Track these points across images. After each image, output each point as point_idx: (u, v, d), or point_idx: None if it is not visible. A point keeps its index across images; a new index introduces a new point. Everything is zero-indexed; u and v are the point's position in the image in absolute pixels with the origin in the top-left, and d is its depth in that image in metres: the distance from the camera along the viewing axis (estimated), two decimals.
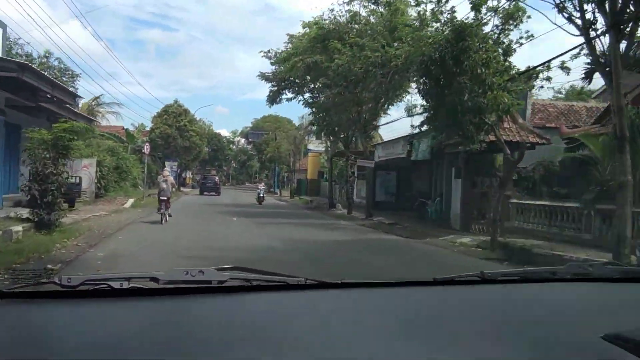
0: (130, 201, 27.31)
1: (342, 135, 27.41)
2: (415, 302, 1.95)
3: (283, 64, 24.71)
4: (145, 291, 1.69)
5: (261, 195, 34.97)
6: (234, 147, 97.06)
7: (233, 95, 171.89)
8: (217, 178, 53.71)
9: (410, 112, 23.20)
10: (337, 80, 18.31)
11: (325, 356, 1.39)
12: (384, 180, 29.57)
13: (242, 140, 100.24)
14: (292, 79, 28.34)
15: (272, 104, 30.92)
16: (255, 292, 1.82)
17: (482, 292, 2.13)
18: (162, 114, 46.27)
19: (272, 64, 30.20)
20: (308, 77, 25.84)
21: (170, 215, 17.80)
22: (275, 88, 30.53)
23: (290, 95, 30.38)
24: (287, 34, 27.56)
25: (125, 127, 45.27)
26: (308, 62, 20.58)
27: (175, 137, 45.43)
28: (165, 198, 17.48)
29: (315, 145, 45.63)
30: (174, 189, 20.55)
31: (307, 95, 30.44)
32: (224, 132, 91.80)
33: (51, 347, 1.35)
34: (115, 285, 1.64)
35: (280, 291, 1.86)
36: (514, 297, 2.07)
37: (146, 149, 29.68)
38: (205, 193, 45.55)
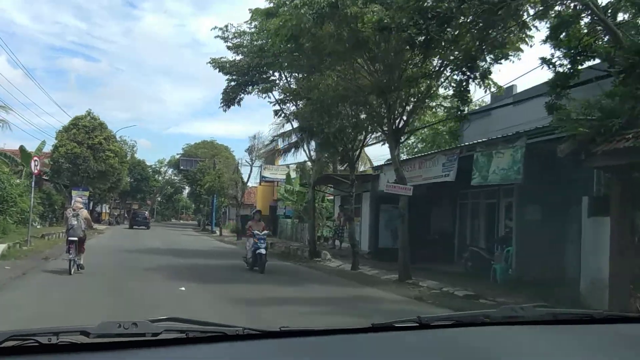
0: (1, 248, 16.75)
1: (341, 148, 17.99)
2: (353, 348, 1.96)
3: (265, 24, 15.16)
4: (75, 346, 1.61)
5: (261, 251, 15.46)
6: (160, 177, 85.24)
7: (158, 129, 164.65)
8: (147, 213, 57.76)
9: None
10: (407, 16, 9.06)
11: None
12: (390, 218, 20.50)
13: (170, 171, 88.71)
14: (263, 68, 19.03)
15: (229, 106, 21.32)
16: (191, 345, 1.77)
17: (419, 338, 2.10)
18: (70, 127, 35.23)
19: (230, 48, 20.76)
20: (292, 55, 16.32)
21: (81, 267, 13.14)
22: (235, 83, 21.02)
23: (253, 89, 21.04)
24: (249, 9, 18.24)
25: (22, 146, 34.03)
26: (320, 5, 11.26)
27: (87, 158, 34.49)
28: (76, 238, 12.91)
29: (272, 172, 36.08)
30: (87, 227, 14.05)
31: (278, 88, 21.24)
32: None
33: None
34: (43, 340, 1.58)
35: (217, 342, 1.81)
36: (450, 342, 2.07)
37: (34, 166, 19.16)
38: (135, 227, 48.66)
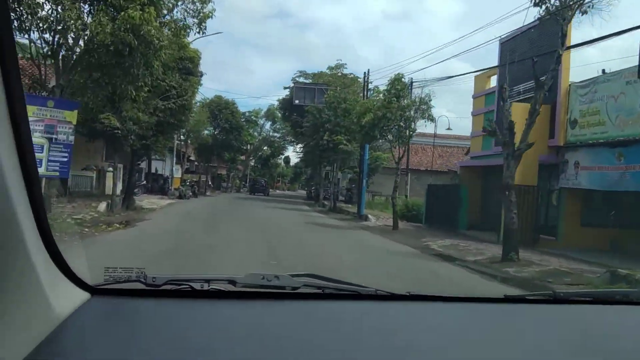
0: None
1: None
2: (484, 318, 1.94)
3: None
4: (223, 294, 1.76)
5: None
6: (256, 133, 62.57)
7: (247, 100, 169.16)
8: (264, 180, 63.70)
9: None
10: None
11: None
12: None
13: (268, 126, 66.11)
14: None
15: None
16: (327, 300, 1.88)
17: (553, 312, 2.05)
18: None
19: None
20: None
21: None
22: None
23: None
24: None
25: None
26: None
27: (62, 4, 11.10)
28: None
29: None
30: None
31: None
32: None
33: (136, 341, 1.41)
34: (196, 286, 1.74)
35: (351, 300, 1.91)
36: (587, 319, 2.02)
37: None
38: (255, 194, 53.12)
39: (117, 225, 15.03)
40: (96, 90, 12.71)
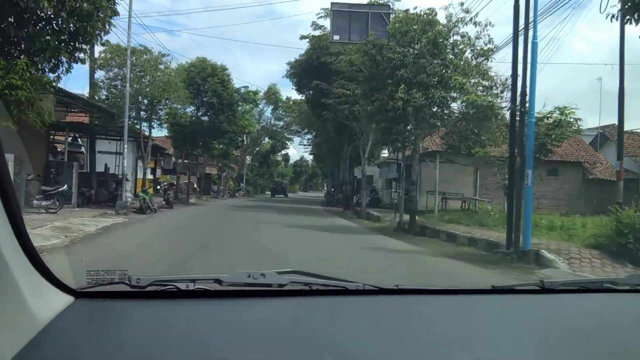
0: None
1: None
2: (472, 310, 1.89)
3: None
4: (209, 293, 1.70)
5: None
6: (254, 119, 48.06)
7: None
8: (284, 183, 70.06)
9: None
10: None
11: None
12: None
13: (268, 111, 51.69)
14: None
15: None
16: (314, 296, 1.83)
17: (541, 302, 2.02)
18: None
19: None
20: None
21: None
22: None
23: None
24: None
25: None
26: None
27: None
28: None
29: None
30: None
31: None
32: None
33: (121, 343, 1.37)
34: (182, 286, 1.67)
35: (338, 296, 1.86)
36: (575, 308, 1.99)
37: None
38: (276, 196, 56.57)
39: None
40: None
